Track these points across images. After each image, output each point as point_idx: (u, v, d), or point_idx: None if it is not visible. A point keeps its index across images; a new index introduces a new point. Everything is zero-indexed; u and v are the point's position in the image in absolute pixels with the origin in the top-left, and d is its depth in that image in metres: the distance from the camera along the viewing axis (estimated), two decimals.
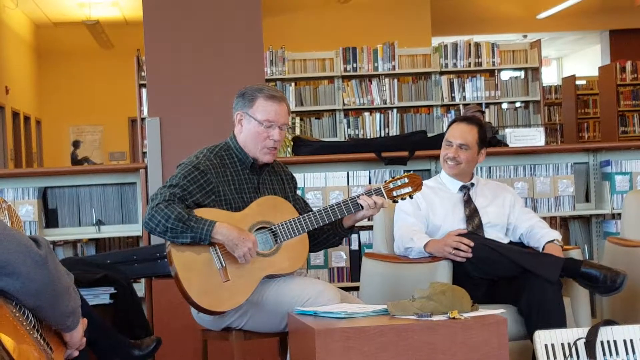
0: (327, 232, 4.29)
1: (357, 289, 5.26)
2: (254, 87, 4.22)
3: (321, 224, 4.13)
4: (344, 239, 4.73)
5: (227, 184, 4.11)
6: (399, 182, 4.20)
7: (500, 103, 11.29)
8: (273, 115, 4.13)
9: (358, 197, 4.16)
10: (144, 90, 10.13)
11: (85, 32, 16.61)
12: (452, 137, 4.93)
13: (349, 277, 6.15)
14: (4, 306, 2.49)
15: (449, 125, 5.05)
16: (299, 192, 4.54)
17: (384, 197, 4.18)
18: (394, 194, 4.19)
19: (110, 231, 6.17)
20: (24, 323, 2.53)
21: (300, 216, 4.11)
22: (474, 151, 4.93)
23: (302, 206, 4.30)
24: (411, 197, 4.25)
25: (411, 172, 4.49)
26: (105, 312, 4.76)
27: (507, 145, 6.96)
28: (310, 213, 4.12)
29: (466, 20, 16.67)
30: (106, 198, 6.19)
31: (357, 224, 4.35)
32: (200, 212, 3.97)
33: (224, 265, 3.97)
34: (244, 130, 4.18)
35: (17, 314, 2.52)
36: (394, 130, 10.78)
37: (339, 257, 6.10)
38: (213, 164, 4.11)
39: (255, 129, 4.14)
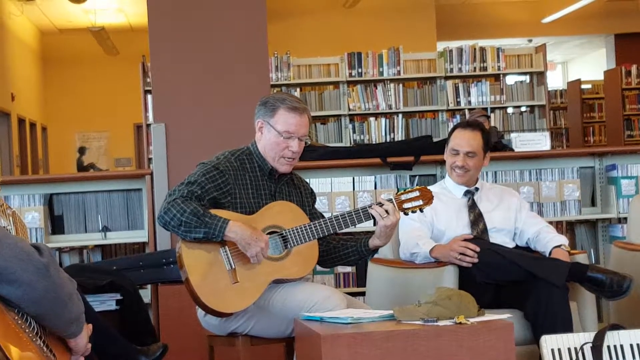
0: (350, 249, 4.27)
1: (363, 294, 5.26)
2: (276, 96, 4.25)
3: (332, 232, 4.13)
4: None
5: (244, 187, 4.13)
6: (410, 195, 4.20)
7: (506, 107, 11.29)
8: (293, 127, 4.14)
9: (370, 206, 4.15)
10: (149, 96, 10.15)
11: (91, 38, 16.65)
12: (458, 145, 4.91)
13: (355, 282, 6.16)
14: (6, 314, 2.49)
15: (451, 132, 5.00)
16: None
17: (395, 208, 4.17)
18: (405, 205, 4.18)
19: (116, 237, 6.18)
20: (27, 330, 2.53)
21: (312, 222, 4.11)
22: (480, 157, 4.92)
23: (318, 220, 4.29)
24: (421, 211, 4.25)
25: (417, 177, 4.49)
26: (111, 319, 4.76)
27: (512, 150, 6.96)
28: (322, 220, 4.13)
29: (471, 25, 16.67)
30: (112, 204, 6.20)
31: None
32: (214, 212, 3.98)
33: (233, 267, 3.98)
34: (263, 139, 4.20)
35: (19, 321, 2.51)
36: (399, 136, 10.78)
37: None
38: (233, 167, 4.14)
39: (275, 139, 4.15)
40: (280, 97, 4.22)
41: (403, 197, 4.19)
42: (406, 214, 4.20)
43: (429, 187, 4.39)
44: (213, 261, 3.99)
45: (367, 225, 4.66)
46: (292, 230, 4.09)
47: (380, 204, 4.13)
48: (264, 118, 4.20)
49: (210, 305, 3.98)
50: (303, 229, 4.09)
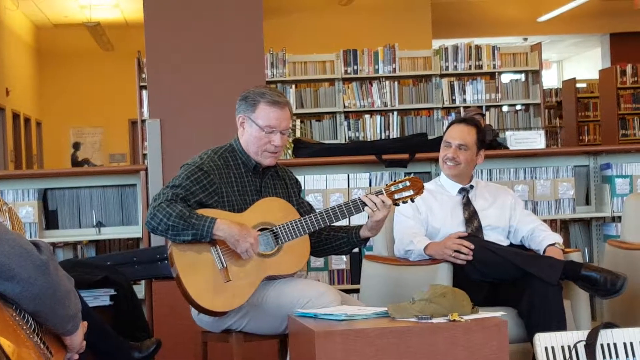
0: (342, 239, 4.27)
1: (357, 291, 5.26)
2: (256, 90, 4.21)
3: (322, 226, 4.12)
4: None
5: (230, 185, 4.12)
6: (400, 186, 4.18)
7: (501, 106, 11.30)
8: (274, 121, 4.13)
9: (359, 198, 4.14)
10: (144, 92, 10.13)
11: (86, 33, 16.62)
12: (450, 137, 4.93)
13: (349, 279, 6.15)
14: (4, 310, 2.49)
15: (448, 127, 5.05)
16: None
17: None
18: (396, 196, 4.16)
19: (110, 233, 6.17)
20: (24, 327, 2.53)
21: (302, 218, 4.10)
22: (473, 152, 4.93)
23: (307, 209, 4.28)
24: (412, 201, 4.23)
25: (412, 174, 4.48)
26: (105, 314, 4.76)
27: (507, 148, 6.97)
28: (312, 215, 4.12)
29: (467, 23, 16.68)
30: (106, 200, 6.19)
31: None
32: (202, 212, 3.98)
33: (225, 265, 3.97)
34: (245, 134, 4.19)
35: (16, 318, 2.51)
36: (394, 133, 10.79)
37: (339, 259, 6.10)
38: (217, 165, 4.12)
39: (257, 134, 4.14)
40: (260, 92, 4.19)
41: (393, 188, 4.17)
42: (397, 204, 4.19)
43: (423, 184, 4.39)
44: (204, 261, 3.98)
45: (361, 220, 4.66)
46: (283, 226, 4.08)
47: (375, 194, 4.12)
48: (245, 113, 4.18)
49: (204, 305, 3.97)
50: (293, 224, 4.08)
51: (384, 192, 4.15)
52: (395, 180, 4.23)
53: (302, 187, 5.90)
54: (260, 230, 4.07)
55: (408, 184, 4.18)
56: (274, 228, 4.09)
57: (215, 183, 4.08)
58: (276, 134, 4.14)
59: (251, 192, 4.16)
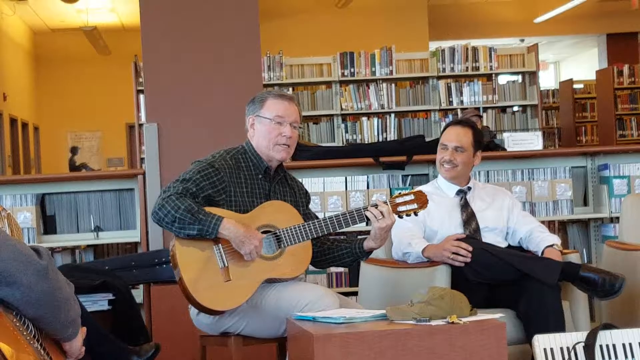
0: (344, 250, 4.27)
1: (355, 294, 5.26)
2: (263, 91, 4.34)
3: (326, 232, 4.12)
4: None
5: (239, 186, 4.13)
6: (405, 198, 4.18)
7: (498, 107, 11.30)
8: (282, 111, 4.17)
9: (365, 208, 4.15)
10: (141, 96, 10.14)
11: (83, 38, 16.63)
12: (447, 140, 4.93)
13: (348, 282, 6.15)
14: (4, 315, 2.49)
15: (444, 129, 5.05)
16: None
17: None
18: (400, 209, 4.17)
19: (108, 237, 6.17)
20: (24, 332, 2.53)
21: (306, 223, 4.11)
22: (470, 153, 4.93)
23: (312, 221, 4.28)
24: (416, 214, 4.24)
25: (410, 176, 4.48)
26: (103, 319, 4.76)
27: (505, 150, 6.97)
28: (316, 221, 4.12)
29: (463, 25, 16.69)
30: (104, 204, 6.19)
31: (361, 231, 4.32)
32: (208, 210, 3.99)
33: (226, 265, 3.98)
34: (256, 134, 4.21)
35: (17, 324, 2.51)
36: (391, 135, 10.78)
37: None
38: (228, 165, 4.14)
39: (267, 127, 4.17)
40: (267, 91, 4.32)
41: (398, 200, 4.18)
42: (400, 217, 4.19)
43: (421, 187, 4.39)
44: (206, 259, 3.99)
45: (362, 226, 4.66)
46: (286, 230, 4.08)
47: (376, 206, 4.13)
48: (254, 113, 4.22)
49: (202, 302, 3.97)
50: (297, 228, 4.08)
51: (388, 203, 4.15)
52: (400, 193, 4.24)
53: None
54: (264, 232, 4.07)
55: (413, 197, 4.19)
56: (277, 231, 4.09)
57: (225, 181, 4.09)
58: (285, 125, 4.17)
59: (259, 195, 4.17)
